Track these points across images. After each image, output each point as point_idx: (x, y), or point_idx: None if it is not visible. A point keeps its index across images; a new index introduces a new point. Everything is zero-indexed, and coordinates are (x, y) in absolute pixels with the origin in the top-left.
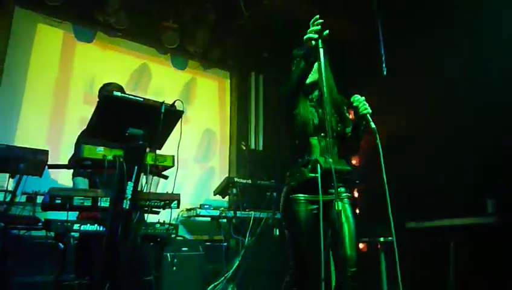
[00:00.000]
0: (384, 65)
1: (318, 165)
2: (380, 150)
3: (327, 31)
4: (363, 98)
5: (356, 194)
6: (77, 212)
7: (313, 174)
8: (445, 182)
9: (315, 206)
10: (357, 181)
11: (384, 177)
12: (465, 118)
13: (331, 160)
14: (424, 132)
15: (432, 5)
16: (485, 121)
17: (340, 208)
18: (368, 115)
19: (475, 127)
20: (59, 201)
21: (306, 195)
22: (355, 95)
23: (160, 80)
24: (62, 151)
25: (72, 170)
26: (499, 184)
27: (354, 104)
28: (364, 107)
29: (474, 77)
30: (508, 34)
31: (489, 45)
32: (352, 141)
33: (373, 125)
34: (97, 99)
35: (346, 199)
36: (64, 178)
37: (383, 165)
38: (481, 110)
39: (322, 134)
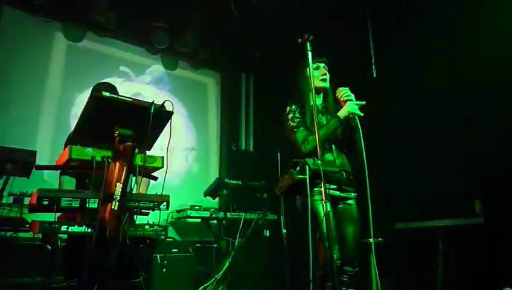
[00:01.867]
0: (373, 66)
1: (307, 167)
2: (362, 141)
3: None
4: (347, 88)
5: None
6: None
7: (302, 176)
8: (434, 183)
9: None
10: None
11: (367, 178)
12: (454, 119)
13: (319, 162)
14: (414, 133)
15: (421, 6)
16: (474, 123)
17: (329, 209)
18: (353, 108)
19: (464, 128)
20: (46, 202)
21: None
22: (340, 88)
23: (150, 80)
24: (52, 152)
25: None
26: (487, 185)
27: (337, 95)
28: (346, 94)
29: (462, 79)
30: (496, 33)
31: (475, 45)
32: (347, 140)
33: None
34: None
35: (353, 200)
36: (52, 179)
37: (365, 159)
38: (469, 112)
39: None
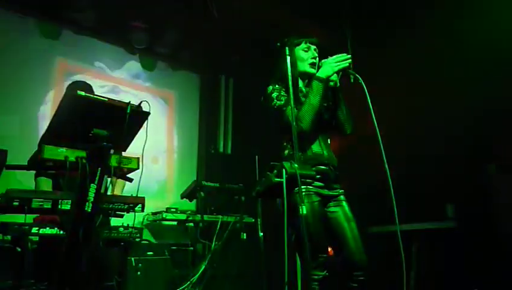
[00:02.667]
0: (350, 71)
1: (284, 170)
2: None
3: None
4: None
5: None
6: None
7: (278, 179)
8: (407, 187)
9: (318, 199)
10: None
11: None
12: (425, 127)
13: (296, 165)
14: (387, 138)
15: (397, 12)
16: (445, 129)
17: (304, 212)
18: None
19: (436, 134)
20: (17, 203)
21: (308, 186)
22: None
23: (127, 81)
24: (24, 152)
25: (34, 171)
26: (458, 190)
27: (321, 64)
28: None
29: (436, 86)
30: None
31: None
32: (339, 118)
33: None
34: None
35: (342, 196)
36: (25, 180)
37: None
38: (441, 119)
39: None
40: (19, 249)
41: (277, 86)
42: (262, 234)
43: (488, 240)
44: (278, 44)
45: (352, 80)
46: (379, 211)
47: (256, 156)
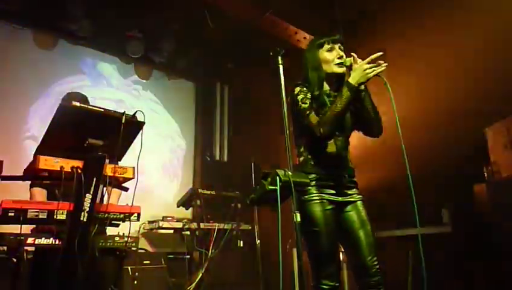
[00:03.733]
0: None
1: (277, 178)
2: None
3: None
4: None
5: None
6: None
7: (272, 187)
8: (403, 192)
9: (331, 206)
10: None
11: None
12: (422, 133)
13: (290, 173)
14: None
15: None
16: (443, 133)
17: (299, 219)
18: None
19: (432, 137)
20: (12, 214)
21: (321, 194)
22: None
23: (123, 90)
24: (20, 163)
25: (29, 182)
26: (454, 195)
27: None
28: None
29: (434, 89)
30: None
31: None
32: (365, 118)
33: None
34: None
35: (360, 202)
36: (20, 190)
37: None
38: (437, 121)
39: (337, 133)
40: (15, 260)
41: (304, 88)
42: (259, 241)
43: (483, 244)
44: (271, 53)
45: (385, 84)
46: (375, 217)
47: (252, 163)
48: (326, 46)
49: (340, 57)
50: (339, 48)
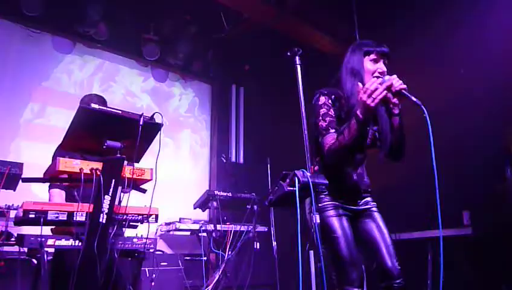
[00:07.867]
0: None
1: (296, 179)
2: (429, 127)
3: None
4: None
5: None
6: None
7: (291, 188)
8: (423, 194)
9: (346, 213)
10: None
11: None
12: (442, 132)
13: (309, 174)
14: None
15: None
16: (463, 132)
17: (319, 221)
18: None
19: (452, 139)
20: (33, 215)
21: (336, 202)
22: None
23: (140, 92)
24: (41, 164)
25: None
26: (475, 197)
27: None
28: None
29: (449, 95)
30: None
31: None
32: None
33: (414, 99)
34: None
35: (375, 208)
36: (40, 191)
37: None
38: (457, 123)
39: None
40: (35, 261)
41: (330, 100)
42: (275, 243)
43: (505, 247)
44: (289, 54)
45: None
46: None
47: (268, 165)
48: (372, 56)
49: (382, 72)
50: (383, 63)
